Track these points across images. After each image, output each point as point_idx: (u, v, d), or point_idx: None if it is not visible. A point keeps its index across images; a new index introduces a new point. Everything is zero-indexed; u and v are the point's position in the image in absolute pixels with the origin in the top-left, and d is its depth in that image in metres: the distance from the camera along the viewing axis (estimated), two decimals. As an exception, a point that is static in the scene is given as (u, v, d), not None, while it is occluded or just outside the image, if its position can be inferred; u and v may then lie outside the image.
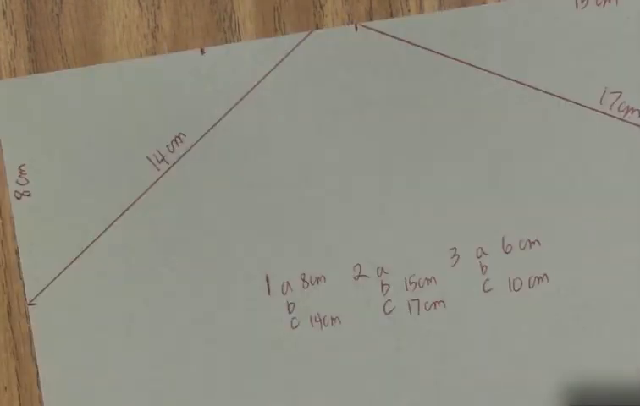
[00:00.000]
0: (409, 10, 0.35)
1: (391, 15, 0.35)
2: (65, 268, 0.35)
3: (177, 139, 0.34)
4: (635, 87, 0.35)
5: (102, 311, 0.35)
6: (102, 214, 0.35)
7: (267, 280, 0.35)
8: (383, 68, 0.35)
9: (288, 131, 0.35)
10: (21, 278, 0.35)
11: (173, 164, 0.34)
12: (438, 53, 0.35)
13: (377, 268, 0.36)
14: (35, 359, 0.36)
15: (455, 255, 0.36)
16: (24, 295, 0.35)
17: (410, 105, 0.35)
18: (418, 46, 0.34)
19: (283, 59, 0.34)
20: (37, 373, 0.36)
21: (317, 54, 0.34)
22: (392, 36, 0.34)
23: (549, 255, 0.36)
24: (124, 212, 0.35)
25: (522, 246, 0.36)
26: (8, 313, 0.36)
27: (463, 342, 0.36)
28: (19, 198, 0.34)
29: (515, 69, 0.35)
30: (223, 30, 0.34)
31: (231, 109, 0.34)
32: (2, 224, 0.35)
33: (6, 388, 0.36)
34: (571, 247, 0.36)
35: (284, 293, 0.35)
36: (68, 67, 0.34)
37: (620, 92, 0.35)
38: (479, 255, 0.36)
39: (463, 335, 0.36)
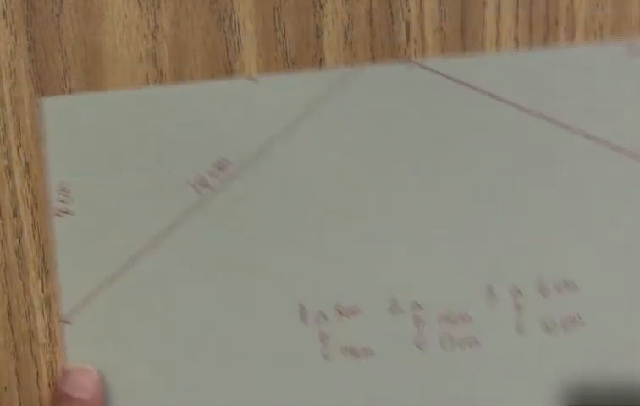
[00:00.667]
0: (409, 10, 0.35)
1: (391, 16, 0.35)
2: (103, 288, 0.35)
3: (220, 164, 0.34)
4: None
5: (138, 333, 0.35)
6: (143, 236, 0.34)
7: (302, 310, 0.35)
8: (434, 106, 0.34)
9: (332, 163, 0.34)
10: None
11: (215, 189, 0.34)
12: (490, 95, 0.34)
13: (412, 302, 0.35)
14: (35, 358, 0.36)
15: (490, 294, 0.35)
16: (24, 295, 0.35)
17: (455, 144, 0.35)
18: (470, 86, 0.34)
19: (333, 92, 0.34)
20: (37, 373, 0.36)
21: (368, 89, 0.34)
22: (444, 75, 0.34)
23: (586, 298, 0.35)
24: (163, 235, 0.34)
25: (559, 287, 0.35)
26: (8, 313, 0.36)
27: (495, 380, 0.36)
28: (60, 216, 0.34)
29: (568, 116, 0.35)
30: (223, 29, 0.34)
31: (277, 138, 0.34)
32: (3, 224, 0.35)
33: (6, 388, 0.36)
34: (607, 290, 0.35)
35: (318, 324, 0.35)
36: (69, 67, 0.34)
37: None
38: (514, 294, 0.35)
39: (496, 373, 0.36)
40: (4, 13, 0.34)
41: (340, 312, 0.35)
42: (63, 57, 0.34)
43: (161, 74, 0.34)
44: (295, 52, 0.35)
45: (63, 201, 0.34)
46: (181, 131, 0.34)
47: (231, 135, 0.34)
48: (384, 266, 0.35)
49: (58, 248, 0.35)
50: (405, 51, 0.35)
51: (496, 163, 0.35)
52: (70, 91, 0.34)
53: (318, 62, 0.35)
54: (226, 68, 0.35)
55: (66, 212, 0.34)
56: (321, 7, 0.35)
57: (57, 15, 0.34)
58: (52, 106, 0.34)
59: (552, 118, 0.35)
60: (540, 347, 0.35)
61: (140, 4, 0.34)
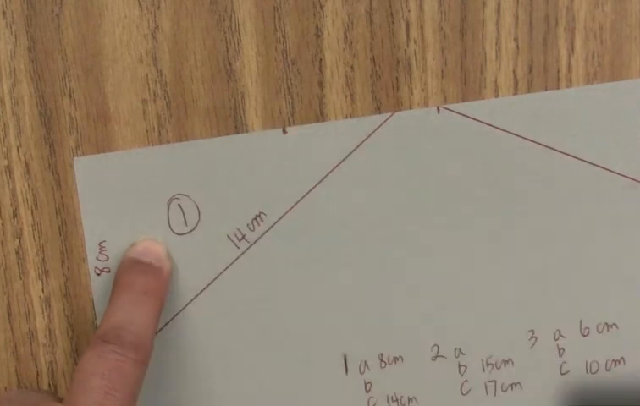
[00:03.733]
0: (409, 10, 0.35)
1: (391, 16, 0.35)
2: None
3: (257, 217, 0.34)
4: None
5: (179, 385, 0.35)
6: (183, 291, 0.34)
7: (345, 359, 0.35)
8: (464, 149, 0.35)
9: (368, 212, 0.35)
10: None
11: (254, 242, 0.34)
12: (518, 136, 0.35)
13: (455, 349, 0.35)
14: (35, 358, 0.36)
15: (532, 337, 0.35)
16: (25, 295, 0.35)
17: (490, 187, 0.35)
18: (499, 128, 0.34)
19: (365, 140, 0.34)
20: (37, 373, 0.36)
21: (399, 135, 0.34)
22: (473, 119, 0.34)
23: (627, 339, 0.36)
24: (204, 289, 0.34)
25: (600, 329, 0.35)
26: (8, 313, 0.36)
27: None
28: (98, 274, 0.34)
29: (595, 153, 0.35)
30: (223, 30, 0.34)
31: (312, 189, 0.34)
32: (3, 224, 0.35)
33: (6, 388, 0.36)
34: None
35: (361, 373, 0.35)
36: (69, 67, 0.34)
37: None
38: (557, 337, 0.36)
39: None
40: (4, 13, 0.34)
41: (384, 360, 0.35)
42: (63, 58, 0.34)
43: (161, 74, 0.34)
44: (295, 52, 0.35)
45: (100, 259, 0.34)
46: (216, 185, 0.34)
47: (265, 188, 0.34)
48: (426, 313, 0.35)
49: (97, 306, 0.35)
50: (405, 51, 0.35)
51: (535, 206, 0.35)
52: (70, 91, 0.34)
53: (318, 62, 0.35)
54: (226, 68, 0.35)
55: (104, 270, 0.34)
56: (321, 7, 0.35)
57: (58, 15, 0.34)
58: (84, 164, 0.34)
59: (592, 161, 0.35)
60: (584, 388, 0.36)
61: (140, 4, 0.34)
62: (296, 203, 0.34)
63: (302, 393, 0.35)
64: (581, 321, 0.35)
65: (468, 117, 0.34)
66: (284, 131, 0.34)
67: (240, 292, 0.35)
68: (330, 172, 0.34)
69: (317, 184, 0.34)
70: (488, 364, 0.35)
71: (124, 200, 0.34)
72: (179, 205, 0.34)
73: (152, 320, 0.32)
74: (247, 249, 0.34)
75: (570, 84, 0.36)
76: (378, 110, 0.35)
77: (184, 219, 0.34)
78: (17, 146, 0.35)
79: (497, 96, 0.35)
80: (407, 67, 0.35)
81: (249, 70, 0.35)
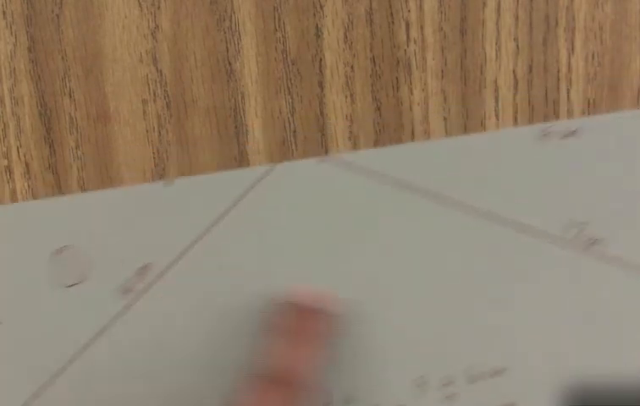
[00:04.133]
0: (409, 10, 0.35)
1: (391, 16, 0.35)
2: (38, 396, 0.34)
3: (144, 269, 0.35)
4: (599, 218, 0.36)
5: None
6: (71, 344, 0.34)
7: None
8: (347, 199, 0.35)
9: (253, 261, 0.35)
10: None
11: (141, 294, 0.35)
12: (403, 185, 0.35)
13: (346, 397, 0.36)
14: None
15: (421, 383, 0.36)
16: None
17: (375, 236, 0.35)
18: (384, 176, 0.35)
19: (249, 191, 0.35)
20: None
21: (284, 185, 0.35)
22: (358, 166, 0.35)
23: (517, 383, 0.36)
24: (92, 342, 0.35)
25: (489, 375, 0.36)
26: (8, 313, 0.36)
27: None
28: None
29: (482, 201, 0.35)
30: (224, 30, 0.34)
31: (198, 240, 0.35)
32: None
33: None
34: (536, 376, 0.36)
35: None
36: (69, 68, 0.34)
37: (586, 223, 0.36)
38: (446, 383, 0.36)
39: None
40: (4, 13, 0.34)
41: None
42: (63, 58, 0.34)
43: (161, 74, 0.34)
44: (295, 52, 0.35)
45: None
46: (103, 237, 0.34)
47: (152, 240, 0.34)
48: None
49: None
50: (405, 51, 0.35)
51: (419, 253, 0.35)
52: (70, 91, 0.34)
53: (318, 62, 0.35)
54: (226, 68, 0.35)
55: None
56: (321, 7, 0.35)
57: (58, 15, 0.34)
58: None
59: (470, 206, 0.35)
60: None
61: (140, 4, 0.34)
62: (182, 254, 0.35)
63: None
64: (470, 367, 0.36)
65: (354, 165, 0.35)
66: (169, 182, 0.34)
67: (128, 343, 0.35)
68: (215, 222, 0.35)
69: (203, 235, 0.35)
70: None
71: (8, 254, 0.34)
72: (65, 257, 0.34)
73: (316, 364, 0.33)
74: (135, 301, 0.35)
75: (570, 84, 0.36)
76: (378, 110, 0.35)
77: (71, 272, 0.34)
78: (17, 146, 0.35)
79: (497, 96, 0.35)
80: (407, 67, 0.35)
81: (249, 70, 0.35)
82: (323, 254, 0.35)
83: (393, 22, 0.35)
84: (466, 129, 0.36)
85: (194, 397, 0.35)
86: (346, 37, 0.35)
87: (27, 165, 0.35)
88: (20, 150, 0.35)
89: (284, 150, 0.36)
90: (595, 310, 0.36)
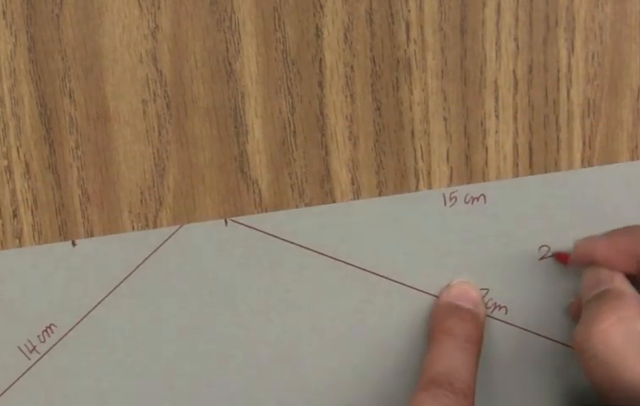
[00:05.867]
0: (409, 10, 0.35)
1: (391, 16, 0.35)
2: None
3: (48, 329, 0.35)
4: (501, 284, 0.36)
5: None
6: None
7: None
8: (252, 261, 0.35)
9: (156, 323, 0.35)
10: None
11: (44, 354, 0.35)
12: (304, 247, 0.35)
13: None
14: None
15: None
16: (25, 295, 0.35)
17: (276, 298, 0.35)
18: (286, 240, 0.35)
19: (153, 252, 0.35)
20: (37, 373, 0.36)
21: (187, 247, 0.35)
22: (261, 231, 0.35)
23: None
24: None
25: None
26: (8, 313, 0.36)
27: None
28: None
29: (382, 264, 0.35)
30: (224, 30, 0.34)
31: (101, 301, 0.35)
32: (3, 224, 0.35)
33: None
34: None
35: None
36: (69, 68, 0.34)
37: (488, 289, 0.36)
38: None
39: None
40: (4, 13, 0.34)
41: None
42: (63, 58, 0.34)
43: (161, 74, 0.34)
44: (295, 52, 0.35)
45: None
46: (7, 296, 0.34)
47: (56, 300, 0.35)
48: None
49: None
50: (405, 51, 0.35)
51: (322, 314, 0.36)
52: (70, 91, 0.34)
53: (318, 62, 0.35)
54: (226, 68, 0.35)
55: None
56: (321, 7, 0.35)
57: (57, 15, 0.34)
58: None
59: (369, 268, 0.35)
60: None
61: (140, 4, 0.34)
62: (86, 315, 0.35)
63: None
64: None
65: (255, 229, 0.35)
66: (74, 243, 0.35)
67: (30, 403, 0.35)
68: (119, 284, 0.35)
69: (106, 296, 0.35)
70: None
71: None
72: None
73: (475, 369, 0.33)
74: (38, 361, 0.35)
75: (570, 84, 0.36)
76: (378, 110, 0.35)
77: None
78: (17, 146, 0.35)
79: (497, 96, 0.35)
80: (407, 67, 0.35)
81: (249, 70, 0.35)
82: (223, 311, 0.35)
83: (393, 22, 0.35)
84: (465, 130, 0.36)
85: None
86: (346, 37, 0.35)
87: (27, 165, 0.35)
88: (20, 150, 0.35)
89: (284, 150, 0.36)
90: (495, 374, 0.36)
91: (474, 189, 0.35)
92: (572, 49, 0.35)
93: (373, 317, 0.36)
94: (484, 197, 0.35)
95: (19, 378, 0.35)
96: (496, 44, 0.35)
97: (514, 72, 0.35)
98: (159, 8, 0.34)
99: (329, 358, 0.36)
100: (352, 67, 0.35)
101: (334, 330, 0.36)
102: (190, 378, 0.36)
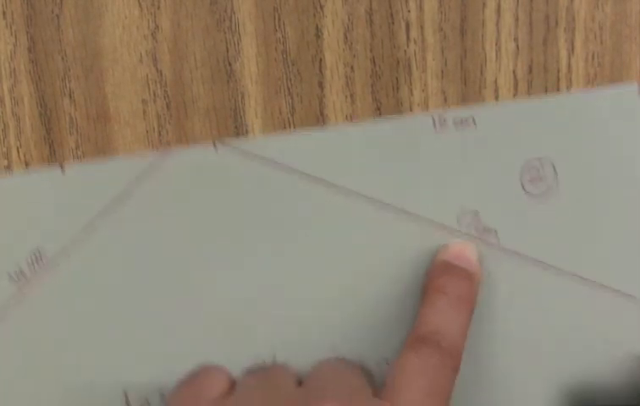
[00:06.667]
0: (409, 11, 0.35)
1: (391, 16, 0.35)
2: None
3: (36, 255, 0.34)
4: (491, 207, 0.35)
5: None
6: None
7: (126, 397, 0.35)
8: (241, 186, 0.35)
9: (147, 250, 0.35)
10: None
11: (33, 280, 0.34)
12: (295, 172, 0.35)
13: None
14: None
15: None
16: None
17: (268, 225, 0.35)
18: (275, 164, 0.35)
19: (142, 177, 0.34)
20: (37, 373, 0.36)
21: (177, 172, 0.34)
22: (251, 155, 0.35)
23: None
24: None
25: (377, 362, 0.36)
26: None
27: None
28: None
29: (373, 189, 0.35)
30: (224, 30, 0.34)
31: (91, 226, 0.34)
32: (2, 224, 0.35)
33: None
34: None
35: None
36: (69, 68, 0.34)
37: (477, 212, 0.35)
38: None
39: None
40: (4, 13, 0.34)
41: (165, 397, 0.35)
42: (63, 58, 0.34)
43: (161, 74, 0.34)
44: (295, 52, 0.35)
45: None
46: None
47: (45, 226, 0.34)
48: (205, 352, 0.35)
49: None
50: (405, 51, 0.35)
51: (313, 244, 0.35)
52: (70, 91, 0.34)
53: (318, 62, 0.35)
54: (226, 68, 0.35)
55: None
56: (321, 7, 0.35)
57: (57, 16, 0.34)
58: None
59: (361, 193, 0.35)
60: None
61: (140, 5, 0.34)
62: (75, 240, 0.34)
63: None
64: (359, 357, 0.36)
65: (245, 153, 0.34)
66: (63, 169, 0.34)
67: (19, 329, 0.35)
68: (109, 209, 0.34)
69: (95, 222, 0.34)
70: None
71: None
72: None
73: (466, 328, 0.32)
74: (26, 287, 0.34)
75: (570, 84, 0.36)
76: (378, 110, 0.35)
77: None
78: (17, 147, 0.35)
79: (497, 97, 0.35)
80: (407, 67, 0.35)
81: (249, 71, 0.35)
82: (212, 238, 0.35)
83: (393, 22, 0.35)
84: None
85: (85, 383, 0.35)
86: (346, 38, 0.35)
87: (27, 165, 0.35)
88: (20, 150, 0.35)
89: (284, 150, 0.36)
90: (488, 299, 0.36)
91: (464, 112, 0.35)
92: (572, 49, 0.35)
93: (362, 242, 0.35)
94: (474, 120, 0.35)
95: (6, 304, 0.34)
96: (496, 44, 0.35)
97: (514, 72, 0.35)
98: (159, 8, 0.34)
99: (319, 285, 0.35)
100: (352, 67, 0.35)
101: (324, 256, 0.35)
102: (178, 305, 0.35)
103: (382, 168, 0.35)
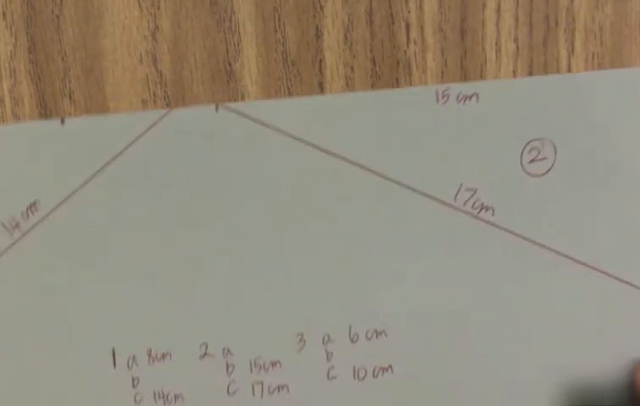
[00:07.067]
0: (409, 11, 0.35)
1: (391, 16, 0.35)
2: None
3: (32, 206, 0.34)
4: (489, 186, 0.35)
5: None
6: None
7: (114, 353, 0.35)
8: (241, 148, 0.35)
9: (143, 207, 0.35)
10: None
11: (27, 232, 0.34)
12: (295, 138, 0.34)
13: (224, 349, 0.36)
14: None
15: (301, 341, 0.36)
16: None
17: (264, 187, 0.35)
18: (275, 129, 0.34)
19: (141, 135, 0.34)
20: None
21: (176, 132, 0.34)
22: (251, 119, 0.34)
23: (395, 347, 0.36)
24: None
25: (369, 336, 0.36)
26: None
27: None
28: None
29: (371, 159, 0.35)
30: (224, 30, 0.34)
31: (88, 181, 0.34)
32: (3, 225, 0.35)
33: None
34: (416, 339, 0.36)
35: (129, 368, 0.35)
36: (69, 68, 0.34)
37: (476, 189, 0.35)
38: (325, 341, 0.36)
39: None
40: (4, 14, 0.34)
41: (152, 356, 0.35)
42: (63, 59, 0.34)
43: (161, 75, 0.34)
44: (295, 53, 0.35)
45: None
46: None
47: (42, 178, 0.34)
48: (195, 311, 0.35)
49: None
50: (405, 52, 0.35)
51: (306, 207, 0.35)
52: (70, 92, 0.34)
53: (318, 62, 0.35)
54: (226, 69, 0.35)
55: None
56: (321, 8, 0.35)
57: (57, 16, 0.34)
58: None
59: (364, 165, 0.35)
60: (350, 393, 0.36)
61: (140, 5, 0.34)
62: (72, 194, 0.34)
63: (69, 385, 0.35)
64: (350, 327, 0.36)
65: (246, 116, 0.34)
66: (62, 121, 0.34)
67: (11, 280, 0.34)
68: (106, 164, 0.34)
69: (93, 176, 0.34)
70: (255, 366, 0.36)
71: None
72: None
73: None
74: (20, 238, 0.34)
75: (570, 84, 0.36)
76: (378, 111, 0.35)
77: None
78: (17, 147, 0.35)
79: (497, 96, 0.36)
80: (407, 68, 0.35)
81: (249, 71, 0.35)
82: (210, 199, 0.35)
83: (393, 23, 0.35)
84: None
85: (72, 338, 0.35)
86: (346, 38, 0.35)
87: (27, 166, 0.35)
88: (20, 150, 0.35)
89: (283, 150, 0.36)
90: (480, 277, 0.36)
91: (467, 87, 0.35)
92: (572, 50, 0.35)
93: (358, 210, 0.35)
94: (477, 96, 0.35)
95: (0, 255, 0.34)
96: (496, 45, 0.35)
97: (514, 73, 0.35)
98: (159, 8, 0.34)
99: (313, 248, 0.35)
100: (352, 67, 0.35)
101: (320, 221, 0.35)
102: (175, 264, 0.35)
103: (381, 138, 0.35)
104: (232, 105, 0.34)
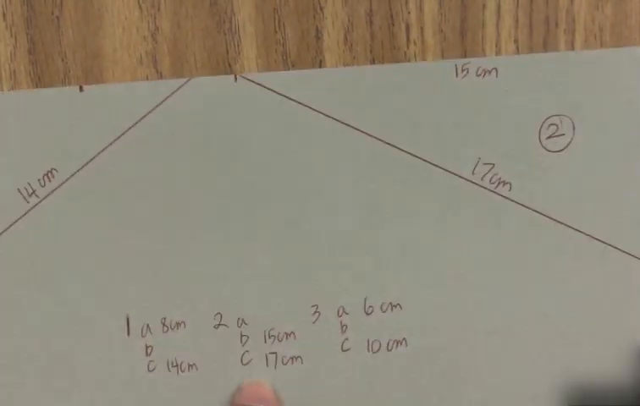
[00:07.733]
0: (409, 12, 0.35)
1: (391, 17, 0.35)
2: None
3: (49, 173, 0.34)
4: (508, 160, 0.35)
5: None
6: None
7: (128, 321, 0.35)
8: (260, 119, 0.35)
9: (160, 175, 0.35)
10: None
11: (43, 198, 0.34)
12: (314, 110, 0.35)
13: (238, 319, 0.36)
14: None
15: (316, 312, 0.36)
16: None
17: (282, 159, 0.35)
18: (295, 101, 0.34)
19: (160, 104, 0.34)
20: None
21: (195, 101, 0.34)
22: (270, 89, 0.34)
23: (410, 320, 0.36)
24: None
25: (384, 309, 0.36)
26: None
27: (318, 398, 0.36)
28: None
29: (389, 132, 0.35)
30: (224, 31, 0.34)
31: (105, 148, 0.34)
32: (2, 226, 0.35)
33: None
34: (431, 313, 0.36)
35: (143, 336, 0.35)
36: (69, 69, 0.34)
37: (493, 164, 0.35)
38: (340, 313, 0.36)
39: (319, 392, 0.36)
40: (4, 15, 0.34)
41: (166, 325, 0.35)
42: (63, 59, 0.34)
43: (161, 75, 0.34)
44: (295, 53, 0.35)
45: None
46: (9, 139, 0.34)
47: (59, 145, 0.34)
48: (209, 281, 0.35)
49: None
50: (405, 53, 0.35)
51: (324, 180, 0.35)
52: (70, 93, 0.34)
53: (318, 63, 0.35)
54: (226, 70, 0.35)
55: None
56: (321, 9, 0.35)
57: (57, 17, 0.34)
58: None
59: (384, 139, 0.35)
60: (363, 365, 0.36)
61: (139, 6, 0.34)
62: (89, 162, 0.34)
63: (83, 352, 0.35)
64: (365, 299, 0.36)
65: (265, 87, 0.34)
66: (81, 89, 0.34)
67: (26, 246, 0.34)
68: (124, 132, 0.34)
69: (111, 144, 0.34)
70: (269, 336, 0.36)
71: None
72: None
73: None
74: (37, 205, 0.34)
75: (570, 85, 0.36)
76: (378, 112, 0.35)
77: None
78: (17, 148, 0.35)
79: (497, 97, 0.36)
80: (407, 68, 0.35)
81: (249, 72, 0.35)
82: (227, 168, 0.35)
83: (393, 24, 0.35)
84: (466, 131, 0.36)
85: (87, 305, 0.35)
86: (346, 39, 0.35)
87: (27, 167, 0.35)
88: (20, 151, 0.35)
89: (284, 151, 0.35)
90: (496, 252, 0.36)
91: (486, 62, 0.35)
92: (572, 50, 0.35)
93: (375, 182, 0.35)
94: (496, 71, 0.35)
95: (16, 221, 0.34)
96: (496, 46, 0.35)
97: (514, 73, 0.35)
98: (159, 9, 0.34)
99: (330, 220, 0.35)
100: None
101: (337, 193, 0.35)
102: (190, 234, 0.35)
103: (400, 111, 0.35)
104: (250, 75, 0.34)
